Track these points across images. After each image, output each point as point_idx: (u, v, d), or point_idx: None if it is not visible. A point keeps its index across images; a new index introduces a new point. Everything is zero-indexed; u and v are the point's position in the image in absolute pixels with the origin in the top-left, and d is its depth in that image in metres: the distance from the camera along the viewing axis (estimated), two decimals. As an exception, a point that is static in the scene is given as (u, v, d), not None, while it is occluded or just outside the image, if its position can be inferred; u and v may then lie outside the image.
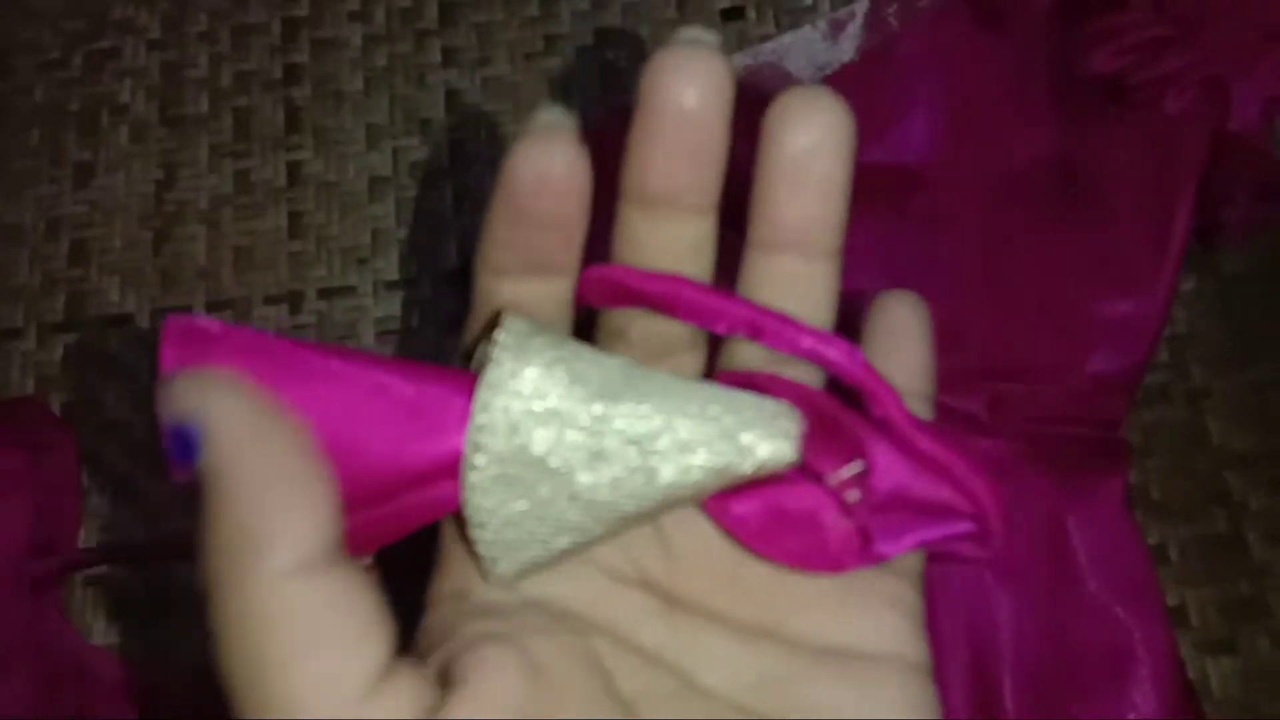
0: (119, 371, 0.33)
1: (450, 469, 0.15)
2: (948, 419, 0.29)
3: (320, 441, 0.14)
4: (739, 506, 0.16)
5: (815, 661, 0.16)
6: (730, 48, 0.35)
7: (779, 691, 0.16)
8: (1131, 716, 0.26)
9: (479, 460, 0.15)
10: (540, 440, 0.15)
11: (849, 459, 0.16)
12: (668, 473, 0.15)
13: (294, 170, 0.35)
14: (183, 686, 0.29)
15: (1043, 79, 0.31)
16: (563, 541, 0.16)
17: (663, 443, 0.15)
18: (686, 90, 0.16)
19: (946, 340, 0.30)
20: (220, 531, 0.13)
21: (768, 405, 0.16)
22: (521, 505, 0.15)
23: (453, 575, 0.17)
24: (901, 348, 0.18)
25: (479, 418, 0.15)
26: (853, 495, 0.16)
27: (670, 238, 0.17)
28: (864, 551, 0.16)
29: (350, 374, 0.15)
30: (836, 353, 0.17)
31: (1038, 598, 0.27)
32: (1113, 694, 0.26)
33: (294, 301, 0.33)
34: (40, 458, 0.30)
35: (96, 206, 0.35)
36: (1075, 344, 0.29)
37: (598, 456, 0.15)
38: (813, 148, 0.16)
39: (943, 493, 0.16)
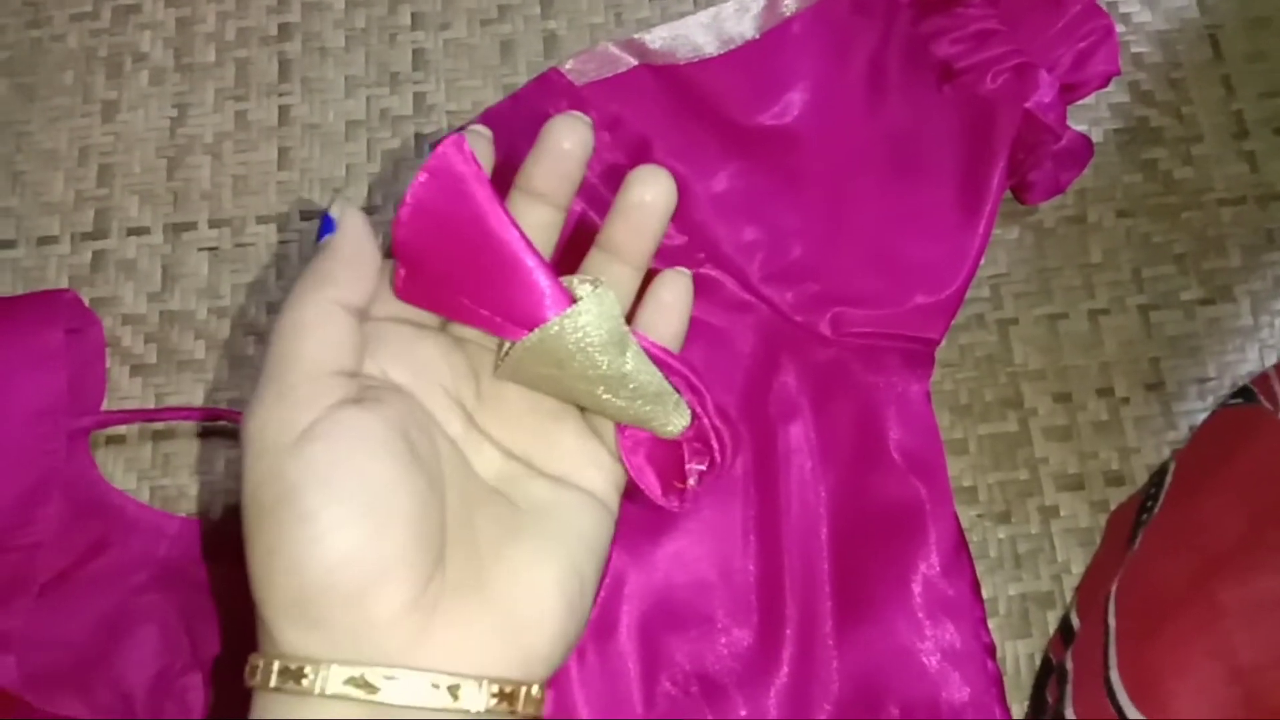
0: (136, 273, 0.39)
1: (528, 323, 0.24)
2: (798, 333, 0.36)
3: (479, 262, 0.24)
4: (631, 437, 0.27)
5: (543, 477, 0.25)
6: (656, 21, 0.42)
7: (517, 484, 0.25)
8: (921, 565, 0.34)
9: (554, 329, 0.24)
10: (589, 352, 0.25)
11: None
12: (619, 402, 0.26)
13: (284, 113, 0.41)
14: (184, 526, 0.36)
15: (896, 60, 0.38)
16: (544, 386, 0.26)
17: (628, 390, 0.25)
18: (565, 140, 0.26)
19: (802, 271, 0.37)
20: (308, 272, 0.24)
21: (679, 399, 0.26)
22: (547, 369, 0.25)
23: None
24: (665, 320, 0.27)
25: (577, 319, 0.24)
26: (695, 470, 0.27)
27: (536, 217, 0.27)
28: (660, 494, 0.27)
29: (516, 242, 0.24)
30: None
31: (853, 469, 0.34)
32: (905, 547, 0.34)
33: (280, 222, 0.40)
34: (74, 338, 0.37)
35: (120, 138, 0.41)
36: (903, 279, 0.36)
37: (600, 378, 0.25)
38: (645, 203, 0.26)
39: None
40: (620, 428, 0.27)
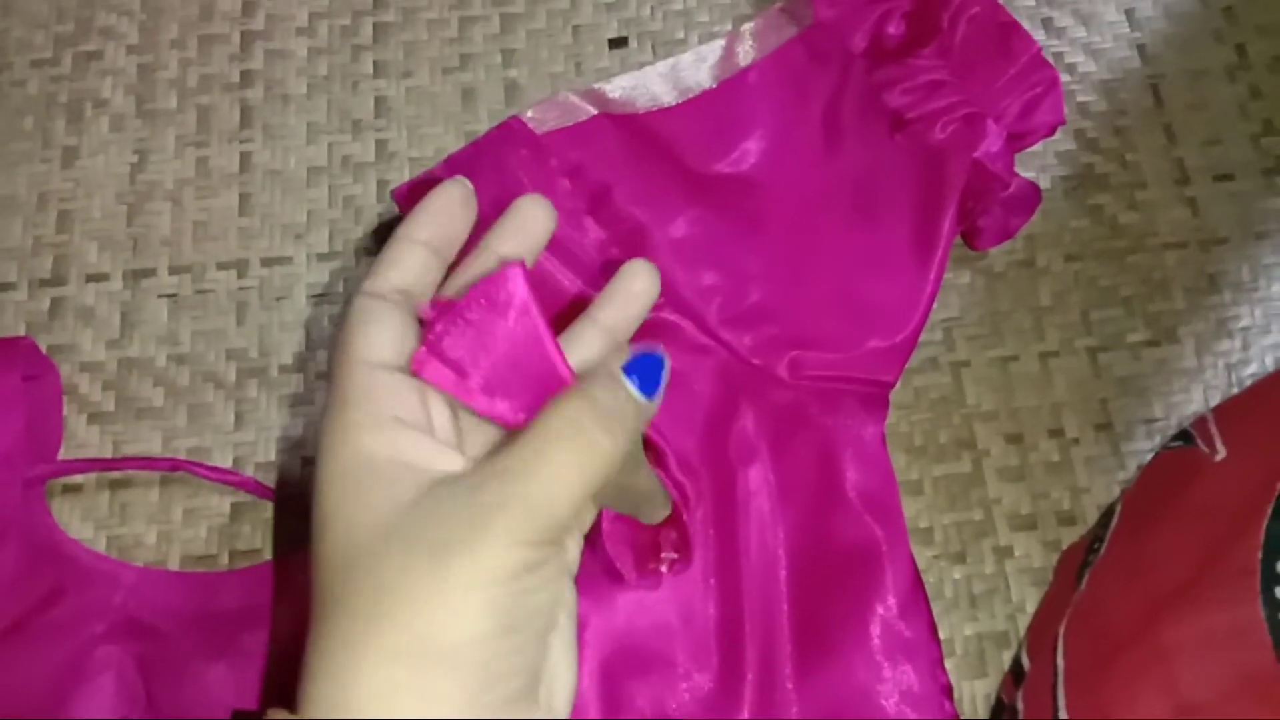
0: (95, 320, 0.39)
1: None
2: (756, 375, 0.37)
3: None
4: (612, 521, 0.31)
5: None
6: (615, 70, 0.42)
7: None
8: (878, 606, 0.34)
9: None
10: None
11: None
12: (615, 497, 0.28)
13: (245, 159, 0.41)
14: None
15: (850, 109, 0.39)
16: None
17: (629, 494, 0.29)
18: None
19: (760, 315, 0.38)
20: (621, 417, 0.24)
21: (666, 494, 0.31)
22: None
23: None
24: (627, 308, 0.29)
25: None
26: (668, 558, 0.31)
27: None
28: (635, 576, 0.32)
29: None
30: None
31: (810, 511, 0.35)
32: (862, 585, 0.34)
33: (241, 268, 0.40)
34: (31, 385, 0.36)
35: (80, 184, 0.41)
36: (858, 322, 0.37)
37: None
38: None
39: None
40: (605, 512, 0.29)
